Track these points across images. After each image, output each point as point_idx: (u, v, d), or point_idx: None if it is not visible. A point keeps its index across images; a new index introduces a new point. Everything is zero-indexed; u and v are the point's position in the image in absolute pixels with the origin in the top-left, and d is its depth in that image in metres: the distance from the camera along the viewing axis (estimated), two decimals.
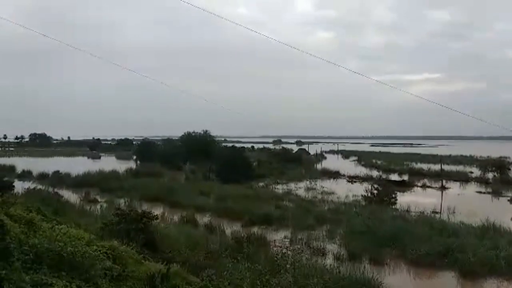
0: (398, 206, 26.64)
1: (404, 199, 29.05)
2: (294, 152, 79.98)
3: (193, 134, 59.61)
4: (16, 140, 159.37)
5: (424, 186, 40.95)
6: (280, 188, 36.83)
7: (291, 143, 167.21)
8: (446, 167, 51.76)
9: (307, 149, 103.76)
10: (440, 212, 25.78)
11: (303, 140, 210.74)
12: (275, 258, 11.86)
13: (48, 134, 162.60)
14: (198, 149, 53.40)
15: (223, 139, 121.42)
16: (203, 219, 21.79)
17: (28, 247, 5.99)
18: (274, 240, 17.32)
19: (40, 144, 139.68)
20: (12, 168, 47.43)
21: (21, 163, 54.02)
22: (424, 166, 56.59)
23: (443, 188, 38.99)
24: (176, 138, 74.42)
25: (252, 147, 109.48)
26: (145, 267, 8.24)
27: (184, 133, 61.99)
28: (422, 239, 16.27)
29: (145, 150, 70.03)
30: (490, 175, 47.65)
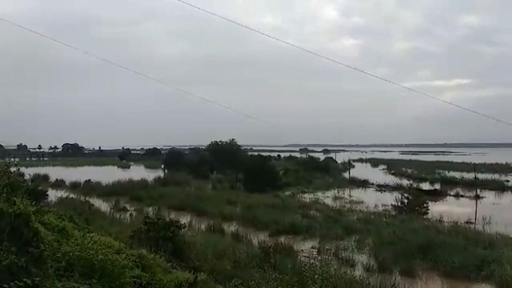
0: (430, 216, 25.84)
1: (436, 209, 28.13)
2: (321, 160, 79.31)
3: (220, 143, 60.15)
4: (50, 150, 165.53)
5: (457, 195, 39.60)
6: (307, 197, 36.48)
7: (318, 152, 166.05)
8: (480, 176, 49.91)
9: (334, 157, 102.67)
10: (474, 223, 24.85)
11: (330, 149, 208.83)
12: (303, 269, 11.69)
13: (80, 144, 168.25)
14: (225, 158, 53.81)
15: (249, 148, 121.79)
16: (230, 228, 21.79)
17: (60, 254, 6.14)
18: (302, 250, 17.11)
19: (72, 154, 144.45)
20: (46, 177, 49.10)
21: (54, 172, 55.89)
22: (457, 175, 54.83)
23: (477, 197, 37.57)
24: (203, 147, 75.30)
25: (279, 155, 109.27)
26: (173, 275, 8.28)
27: (211, 142, 62.68)
28: (456, 250, 15.66)
29: (173, 159, 71.29)
30: None
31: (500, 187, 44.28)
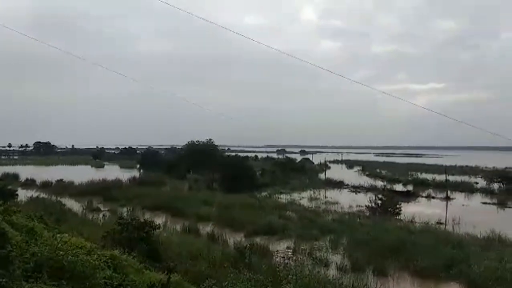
0: (402, 216, 26.47)
1: (408, 210, 28.83)
2: (298, 161, 79.93)
3: (197, 143, 59.67)
4: (20, 149, 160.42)
5: (429, 197, 40.72)
6: (283, 198, 36.70)
7: (295, 153, 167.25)
8: (451, 178, 51.48)
9: (311, 158, 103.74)
10: (445, 223, 25.58)
11: (307, 150, 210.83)
12: (277, 269, 11.76)
13: (52, 143, 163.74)
14: (202, 158, 53.40)
15: (226, 148, 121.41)
16: (206, 228, 21.68)
17: (29, 255, 5.98)
18: (277, 251, 17.19)
19: (44, 152, 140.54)
20: (15, 177, 47.61)
21: (25, 171, 54.24)
22: (429, 177, 56.34)
23: (448, 198, 38.72)
24: (180, 147, 74.62)
25: (256, 156, 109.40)
26: (146, 276, 8.18)
27: (188, 142, 62.10)
28: (427, 250, 16.10)
29: (149, 159, 70.38)
30: (495, 186, 47.34)
31: (469, 189, 45.83)
